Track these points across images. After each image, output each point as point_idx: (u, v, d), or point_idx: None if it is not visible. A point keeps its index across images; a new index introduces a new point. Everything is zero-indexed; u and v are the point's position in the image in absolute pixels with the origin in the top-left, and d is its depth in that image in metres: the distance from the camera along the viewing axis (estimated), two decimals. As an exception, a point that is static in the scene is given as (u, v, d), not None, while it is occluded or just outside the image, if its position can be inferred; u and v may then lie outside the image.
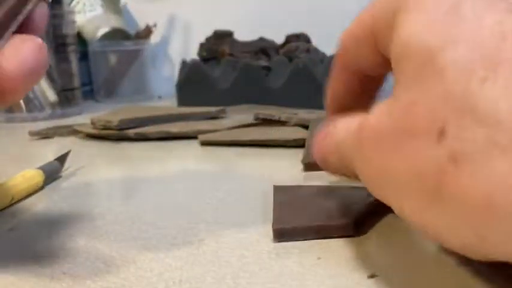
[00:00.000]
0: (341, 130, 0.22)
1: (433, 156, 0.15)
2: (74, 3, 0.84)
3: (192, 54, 0.75)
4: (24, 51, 0.20)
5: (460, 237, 0.15)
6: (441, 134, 0.15)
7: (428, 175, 0.15)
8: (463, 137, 0.15)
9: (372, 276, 0.20)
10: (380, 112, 0.18)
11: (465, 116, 0.15)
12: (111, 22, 0.85)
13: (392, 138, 0.17)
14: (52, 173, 0.36)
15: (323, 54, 0.70)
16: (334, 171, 0.24)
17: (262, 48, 0.70)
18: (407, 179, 0.16)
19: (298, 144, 0.42)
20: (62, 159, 0.38)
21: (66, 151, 0.39)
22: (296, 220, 0.25)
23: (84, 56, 0.83)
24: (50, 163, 0.36)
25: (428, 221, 0.16)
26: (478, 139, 0.14)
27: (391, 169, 0.17)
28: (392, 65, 0.18)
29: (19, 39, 0.20)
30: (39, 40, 0.20)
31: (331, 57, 0.62)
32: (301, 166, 0.36)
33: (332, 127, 0.23)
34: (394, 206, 0.18)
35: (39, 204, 0.31)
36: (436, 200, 0.15)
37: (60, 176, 0.37)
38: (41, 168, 0.35)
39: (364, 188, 0.20)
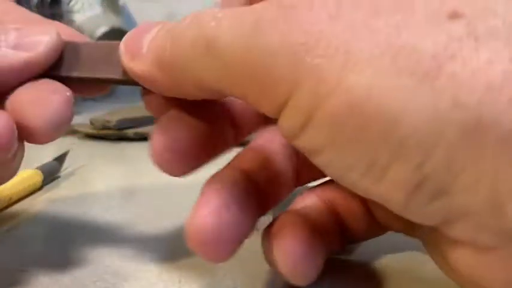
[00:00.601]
0: (217, 15, 0.16)
1: (439, 33, 0.13)
2: (72, 2, 0.84)
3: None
4: (53, 106, 0.19)
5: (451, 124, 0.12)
6: (453, 14, 0.13)
7: (425, 51, 0.13)
8: (486, 16, 0.13)
9: (372, 276, 0.20)
10: None
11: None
12: (110, 21, 0.85)
13: (361, 6, 0.14)
14: (51, 173, 0.36)
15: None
16: (186, 89, 0.17)
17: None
18: (376, 56, 0.13)
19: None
20: (60, 159, 0.37)
21: (64, 151, 0.38)
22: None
23: (83, 56, 0.83)
24: (48, 163, 0.36)
25: (411, 103, 0.13)
26: (507, 19, 0.13)
27: (359, 44, 0.13)
28: None
29: (48, 90, 0.20)
30: (68, 93, 0.20)
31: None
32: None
33: (186, 18, 0.17)
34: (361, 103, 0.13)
35: (37, 205, 0.31)
36: (428, 78, 0.12)
37: (59, 176, 0.37)
38: (40, 168, 0.35)
39: None
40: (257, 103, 0.15)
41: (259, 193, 0.19)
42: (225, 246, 0.17)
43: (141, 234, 0.26)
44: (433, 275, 0.20)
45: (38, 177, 0.34)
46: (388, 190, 0.13)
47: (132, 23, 0.92)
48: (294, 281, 0.18)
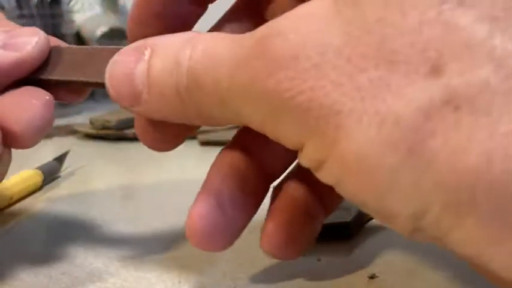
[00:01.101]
0: (195, 45, 0.16)
1: (420, 98, 0.12)
2: (72, 2, 0.84)
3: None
4: (33, 111, 0.20)
5: (420, 204, 0.13)
6: (435, 69, 0.12)
7: (407, 122, 0.12)
8: (468, 77, 0.12)
9: (372, 276, 0.20)
10: (320, 14, 0.14)
11: (464, 51, 0.12)
12: (110, 21, 0.85)
13: (344, 54, 0.13)
14: (51, 173, 0.36)
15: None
16: (165, 115, 0.17)
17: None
18: (364, 123, 0.13)
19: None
20: (60, 159, 0.37)
21: (64, 151, 0.38)
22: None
23: (83, 56, 0.83)
24: (48, 163, 0.36)
25: (394, 181, 0.13)
26: (490, 81, 0.12)
27: (336, 102, 0.13)
28: None
29: (27, 95, 0.20)
30: (47, 97, 0.20)
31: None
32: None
33: (158, 43, 0.17)
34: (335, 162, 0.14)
35: (37, 205, 0.31)
36: (411, 157, 0.12)
37: (59, 176, 0.37)
38: (40, 168, 0.35)
39: None
40: (276, 141, 0.16)
41: (262, 171, 0.20)
42: (220, 241, 0.18)
43: (141, 234, 0.26)
44: (433, 274, 0.20)
45: (38, 177, 0.34)
46: (396, 227, 0.14)
47: (132, 23, 0.92)
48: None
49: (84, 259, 0.23)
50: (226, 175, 0.19)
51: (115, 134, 0.49)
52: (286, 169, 0.21)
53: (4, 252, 0.24)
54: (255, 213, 0.19)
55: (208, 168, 0.20)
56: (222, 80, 0.15)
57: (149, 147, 0.21)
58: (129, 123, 0.50)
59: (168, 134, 0.20)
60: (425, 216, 0.13)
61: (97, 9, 0.85)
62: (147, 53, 0.17)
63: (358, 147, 0.13)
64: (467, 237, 0.13)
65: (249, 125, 0.16)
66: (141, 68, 0.17)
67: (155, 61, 0.17)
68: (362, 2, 0.14)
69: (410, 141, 0.13)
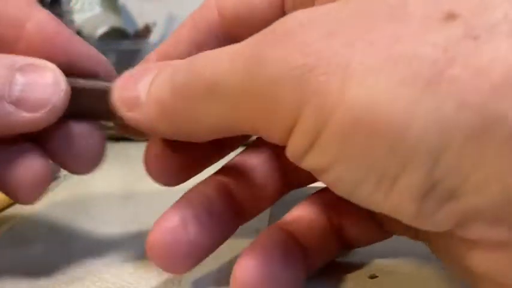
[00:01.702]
0: (207, 56, 0.16)
1: (437, 37, 0.13)
2: (72, 2, 0.84)
3: (191, 53, 0.75)
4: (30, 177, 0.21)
5: (456, 127, 0.12)
6: (450, 15, 0.13)
7: (425, 56, 0.12)
8: (485, 15, 0.13)
9: (372, 276, 0.20)
10: (329, 5, 0.14)
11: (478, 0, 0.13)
12: (110, 21, 0.85)
13: (356, 23, 0.13)
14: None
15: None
16: (171, 130, 0.18)
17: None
18: (375, 68, 0.13)
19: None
20: (60, 159, 0.37)
21: (64, 151, 0.38)
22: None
23: (83, 56, 0.83)
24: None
25: (414, 113, 0.12)
26: (508, 14, 0.12)
27: (354, 55, 0.13)
28: None
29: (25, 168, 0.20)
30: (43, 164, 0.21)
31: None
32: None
33: (171, 62, 0.18)
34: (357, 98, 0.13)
35: (37, 205, 0.31)
36: (430, 87, 0.12)
37: (59, 176, 0.37)
38: (40, 168, 0.34)
39: None
40: (267, 132, 0.15)
41: (234, 207, 0.20)
42: (180, 262, 0.18)
43: (141, 234, 0.26)
44: (433, 274, 0.20)
45: (38, 177, 0.34)
46: (399, 201, 0.13)
47: (132, 23, 0.92)
48: None
49: (84, 259, 0.23)
50: (194, 197, 0.19)
51: (115, 134, 0.49)
52: (259, 212, 0.21)
53: (4, 252, 0.24)
54: (221, 242, 0.19)
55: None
56: (223, 64, 0.15)
57: (156, 180, 0.21)
58: (129, 123, 0.50)
59: (178, 166, 0.20)
60: (446, 153, 0.12)
61: (97, 9, 0.85)
62: (158, 70, 0.17)
63: (368, 93, 0.13)
64: (494, 169, 0.12)
65: (237, 121, 0.16)
66: (148, 77, 0.17)
67: (162, 73, 0.17)
68: None
69: (428, 73, 0.12)
